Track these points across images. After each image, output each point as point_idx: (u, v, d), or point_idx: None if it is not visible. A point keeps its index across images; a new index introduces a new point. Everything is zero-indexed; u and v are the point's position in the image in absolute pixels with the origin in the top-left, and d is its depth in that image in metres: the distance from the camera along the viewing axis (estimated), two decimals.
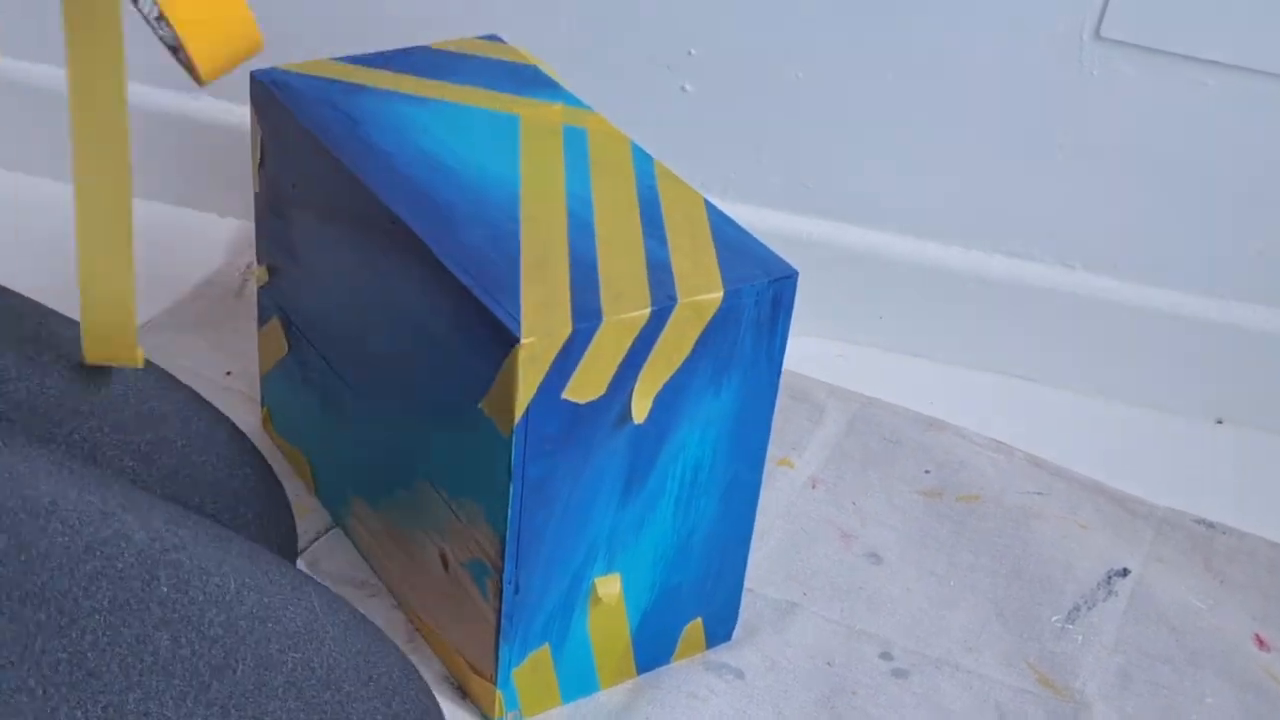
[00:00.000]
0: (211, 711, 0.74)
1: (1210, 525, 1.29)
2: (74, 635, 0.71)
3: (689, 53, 1.38)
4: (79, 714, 0.71)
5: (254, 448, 1.05)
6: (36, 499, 0.73)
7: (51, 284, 1.12)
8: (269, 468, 1.05)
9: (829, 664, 1.12)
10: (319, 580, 1.12)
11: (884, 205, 1.42)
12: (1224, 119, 1.32)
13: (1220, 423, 1.44)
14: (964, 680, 1.12)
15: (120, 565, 0.74)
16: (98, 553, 0.74)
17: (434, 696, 0.87)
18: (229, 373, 1.31)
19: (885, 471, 1.30)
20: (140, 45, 0.91)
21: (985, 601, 1.19)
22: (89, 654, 0.72)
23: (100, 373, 0.98)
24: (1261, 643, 1.18)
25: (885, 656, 1.13)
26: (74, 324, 1.00)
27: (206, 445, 1.00)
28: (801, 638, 1.13)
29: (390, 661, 0.83)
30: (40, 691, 0.70)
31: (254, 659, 0.76)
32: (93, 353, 0.94)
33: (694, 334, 0.94)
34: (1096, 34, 1.30)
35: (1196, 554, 1.26)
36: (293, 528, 1.06)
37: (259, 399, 1.26)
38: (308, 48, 1.20)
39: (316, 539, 1.16)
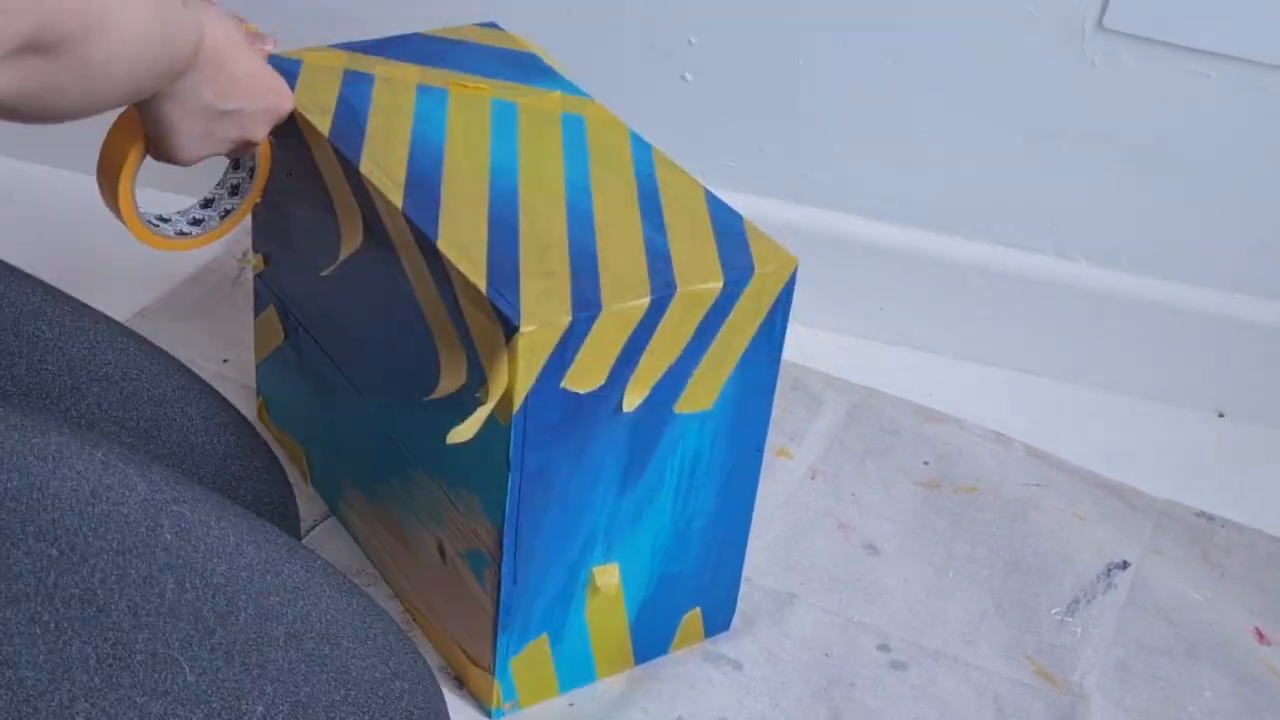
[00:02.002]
0: (215, 656, 0.75)
1: (1210, 518, 1.28)
2: (84, 572, 0.73)
3: (689, 41, 1.37)
4: (89, 649, 0.72)
5: (255, 432, 1.05)
6: (44, 445, 0.75)
7: (52, 261, 1.12)
8: (270, 452, 1.05)
9: (827, 655, 1.12)
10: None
11: (884, 196, 1.42)
12: (1226, 111, 1.31)
13: (1221, 416, 1.43)
14: (962, 672, 1.12)
15: (125, 510, 0.75)
16: (104, 497, 0.75)
17: (426, 661, 0.87)
18: (225, 360, 1.31)
19: (884, 462, 1.30)
20: None
21: (983, 593, 1.18)
22: (99, 591, 0.73)
23: (100, 351, 0.98)
24: (1260, 636, 1.18)
25: (883, 648, 1.13)
26: (74, 303, 1.00)
27: (206, 427, 1.00)
28: (799, 629, 1.13)
29: (385, 625, 0.84)
30: (53, 625, 0.71)
31: (256, 609, 0.77)
32: None
33: (693, 323, 0.93)
34: (1099, 25, 1.29)
35: (1196, 547, 1.26)
36: (295, 512, 1.06)
37: (255, 387, 1.25)
38: (306, 35, 1.19)
39: (313, 528, 1.16)
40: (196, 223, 1.06)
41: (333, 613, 0.81)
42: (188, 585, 0.75)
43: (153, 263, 1.39)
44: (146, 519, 0.76)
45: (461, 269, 0.90)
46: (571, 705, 1.05)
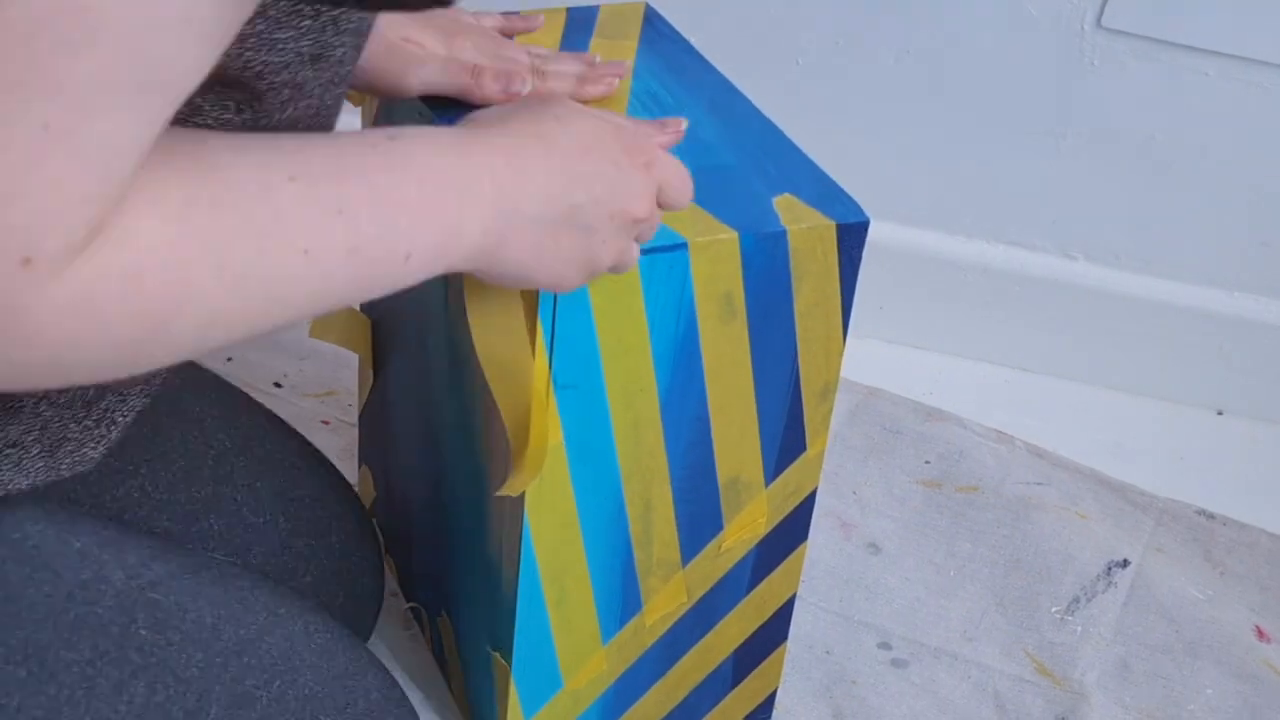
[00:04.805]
0: None
1: (1211, 516, 1.29)
2: (51, 691, 0.71)
3: None
4: None
5: (338, 501, 0.98)
6: (22, 543, 0.72)
7: None
8: (355, 527, 0.99)
9: (828, 653, 1.12)
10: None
11: (885, 194, 1.41)
12: (1225, 109, 1.31)
13: (1221, 414, 1.43)
14: (962, 670, 1.12)
15: (100, 610, 0.73)
16: (78, 598, 0.73)
17: (417, 716, 0.86)
18: (229, 359, 1.30)
19: (885, 461, 1.30)
20: None
21: (984, 591, 1.19)
22: (65, 709, 0.71)
23: (159, 423, 0.92)
24: (1261, 634, 1.18)
25: (884, 646, 1.13)
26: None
27: (273, 505, 0.94)
28: (800, 627, 1.13)
29: (369, 683, 0.83)
30: None
31: (228, 698, 0.76)
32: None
33: None
34: (1098, 24, 1.30)
35: (1196, 545, 1.26)
36: (378, 589, 1.02)
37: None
38: None
39: None
40: None
41: (312, 684, 0.79)
42: (158, 687, 0.74)
43: None
44: (120, 616, 0.74)
45: None
46: None
